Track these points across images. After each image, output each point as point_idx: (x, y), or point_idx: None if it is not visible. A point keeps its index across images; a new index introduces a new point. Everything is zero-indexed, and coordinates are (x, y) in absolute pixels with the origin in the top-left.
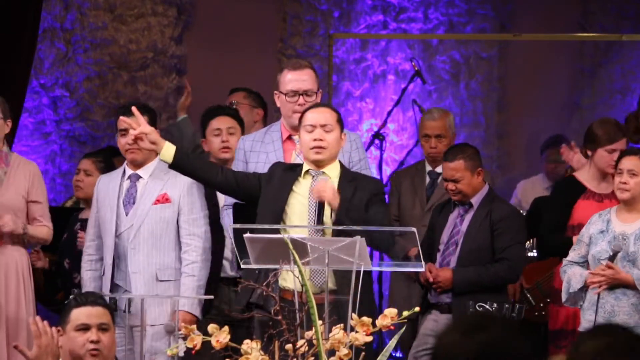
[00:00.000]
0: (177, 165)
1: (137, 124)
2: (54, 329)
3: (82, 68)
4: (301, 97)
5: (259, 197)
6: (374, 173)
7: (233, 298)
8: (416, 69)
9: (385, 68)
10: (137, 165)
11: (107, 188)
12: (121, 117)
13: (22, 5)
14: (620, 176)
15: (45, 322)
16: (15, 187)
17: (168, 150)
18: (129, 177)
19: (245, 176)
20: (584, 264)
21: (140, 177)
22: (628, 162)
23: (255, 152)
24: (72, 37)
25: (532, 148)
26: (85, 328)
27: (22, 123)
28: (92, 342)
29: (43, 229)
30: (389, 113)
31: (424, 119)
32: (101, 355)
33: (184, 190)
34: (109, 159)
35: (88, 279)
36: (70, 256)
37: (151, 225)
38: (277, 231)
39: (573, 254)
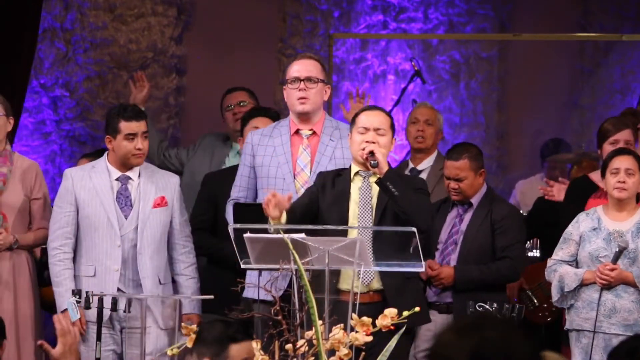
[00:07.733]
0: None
1: None
2: (76, 328)
3: (82, 68)
4: (302, 82)
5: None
6: None
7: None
8: (416, 69)
9: (385, 68)
10: (124, 166)
11: (89, 186)
12: None
13: (22, 5)
14: (617, 175)
15: (68, 320)
16: (19, 186)
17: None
18: (118, 179)
19: (308, 204)
20: (573, 262)
21: (130, 178)
22: (625, 162)
23: (262, 145)
24: (72, 37)
25: (532, 148)
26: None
27: (22, 123)
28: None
29: (39, 232)
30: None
31: (415, 108)
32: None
33: (175, 192)
34: None
35: (65, 278)
36: None
37: (153, 229)
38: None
39: (561, 253)
